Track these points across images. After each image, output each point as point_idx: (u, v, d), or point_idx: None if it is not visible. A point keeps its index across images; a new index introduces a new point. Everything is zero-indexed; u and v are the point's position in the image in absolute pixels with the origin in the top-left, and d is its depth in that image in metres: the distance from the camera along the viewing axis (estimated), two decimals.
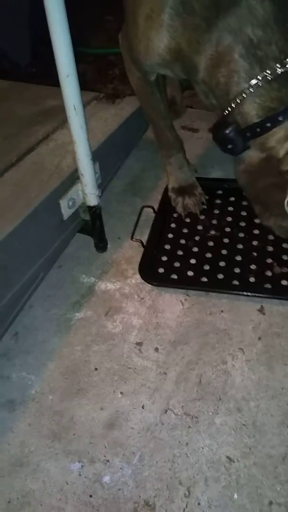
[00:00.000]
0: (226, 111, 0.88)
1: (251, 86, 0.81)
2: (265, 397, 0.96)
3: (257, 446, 0.90)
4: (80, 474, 0.88)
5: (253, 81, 0.82)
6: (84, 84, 1.98)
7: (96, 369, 1.02)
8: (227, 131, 0.88)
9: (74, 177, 1.09)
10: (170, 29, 0.87)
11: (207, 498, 0.84)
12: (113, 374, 1.01)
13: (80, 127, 0.98)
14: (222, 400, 0.96)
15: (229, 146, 0.90)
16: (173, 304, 1.12)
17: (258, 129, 0.84)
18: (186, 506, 0.84)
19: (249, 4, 0.78)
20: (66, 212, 1.09)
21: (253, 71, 0.81)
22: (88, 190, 1.08)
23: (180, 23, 0.86)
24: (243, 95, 0.83)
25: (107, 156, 1.18)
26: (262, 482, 0.86)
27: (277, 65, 0.79)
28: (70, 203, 1.09)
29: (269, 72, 0.80)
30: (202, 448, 0.90)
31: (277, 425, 0.92)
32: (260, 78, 0.80)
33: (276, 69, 0.79)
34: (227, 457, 0.89)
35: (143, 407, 0.96)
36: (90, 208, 1.12)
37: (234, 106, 0.86)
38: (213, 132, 0.94)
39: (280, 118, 0.80)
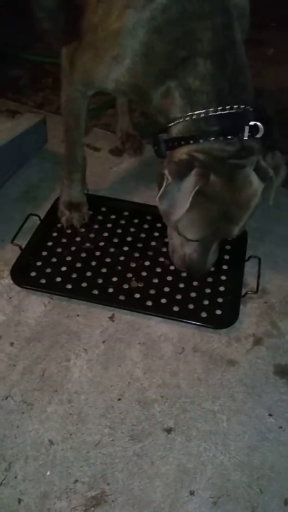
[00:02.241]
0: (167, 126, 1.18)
1: (182, 118, 1.12)
2: (95, 392, 1.12)
3: (77, 433, 1.05)
4: None
5: (184, 117, 1.12)
6: (17, 89, 2.08)
7: None
8: (158, 137, 1.18)
9: None
10: (132, 71, 1.15)
11: (24, 473, 0.99)
12: None
13: None
14: (58, 392, 1.11)
15: (155, 148, 1.19)
16: (37, 305, 1.27)
17: (176, 143, 1.14)
18: (4, 478, 0.98)
19: (195, 62, 1.09)
20: None
21: (186, 109, 1.12)
22: None
23: (141, 68, 1.13)
24: (175, 121, 1.13)
25: None
26: (73, 463, 1.01)
27: (202, 111, 1.10)
28: None
29: (195, 114, 1.11)
30: (30, 431, 1.05)
31: (98, 416, 1.08)
32: (188, 116, 1.11)
33: (200, 114, 1.10)
34: (49, 440, 1.04)
35: None
36: None
37: (170, 126, 1.15)
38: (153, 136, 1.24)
39: (191, 142, 1.11)
